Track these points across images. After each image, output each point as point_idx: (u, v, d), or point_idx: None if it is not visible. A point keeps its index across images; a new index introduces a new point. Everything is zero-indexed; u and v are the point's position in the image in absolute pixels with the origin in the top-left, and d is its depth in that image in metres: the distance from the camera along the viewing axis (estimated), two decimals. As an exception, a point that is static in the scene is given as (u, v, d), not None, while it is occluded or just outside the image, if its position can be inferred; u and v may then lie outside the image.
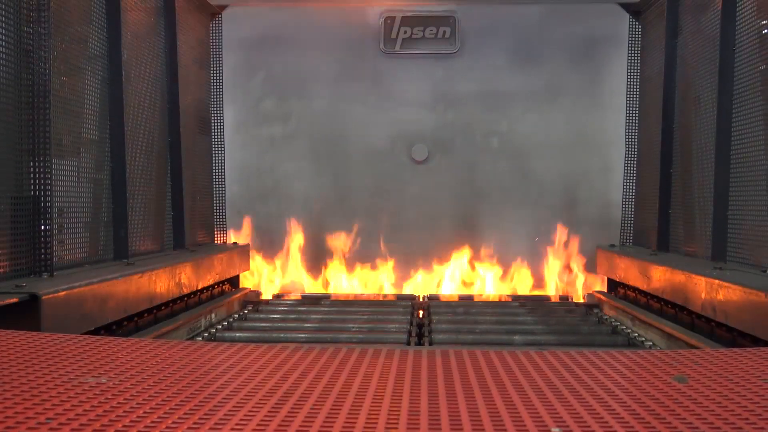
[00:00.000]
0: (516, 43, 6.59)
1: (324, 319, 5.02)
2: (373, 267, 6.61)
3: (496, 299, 6.30)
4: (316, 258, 6.61)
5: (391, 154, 6.65)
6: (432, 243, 6.62)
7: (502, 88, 6.60)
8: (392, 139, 6.65)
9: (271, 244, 6.56)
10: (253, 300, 5.89)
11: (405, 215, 6.65)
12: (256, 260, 6.48)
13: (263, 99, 6.64)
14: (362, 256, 6.61)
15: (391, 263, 6.60)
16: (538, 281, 6.52)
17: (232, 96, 6.49)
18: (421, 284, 6.56)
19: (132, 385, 1.72)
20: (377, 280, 6.59)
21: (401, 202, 6.65)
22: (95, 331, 3.47)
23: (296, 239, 6.58)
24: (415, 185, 6.64)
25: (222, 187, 6.32)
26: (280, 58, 6.61)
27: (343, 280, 6.58)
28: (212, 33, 6.35)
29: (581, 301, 6.13)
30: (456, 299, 6.22)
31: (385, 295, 6.40)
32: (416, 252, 6.61)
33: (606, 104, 6.47)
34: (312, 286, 6.56)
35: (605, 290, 5.89)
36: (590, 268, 6.33)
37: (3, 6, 3.38)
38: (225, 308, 5.37)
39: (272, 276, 6.55)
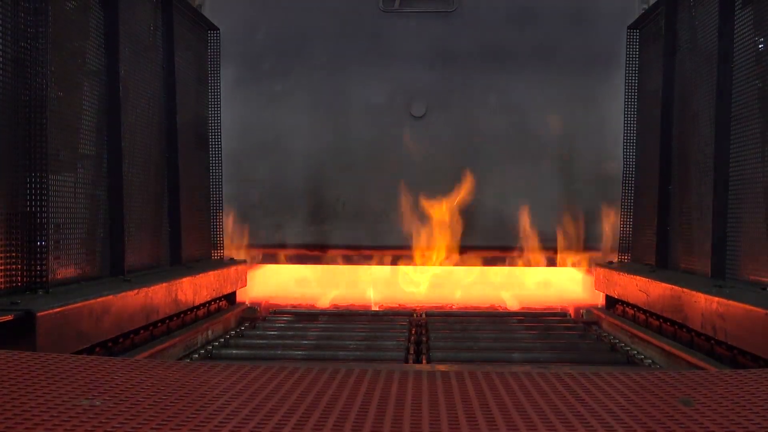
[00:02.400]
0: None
1: (321, 336, 4.99)
2: (373, 218, 6.71)
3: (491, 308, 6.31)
4: (316, 211, 6.78)
5: (390, 110, 6.70)
6: (430, 195, 6.69)
7: (501, 45, 6.69)
8: (391, 95, 6.72)
9: (270, 198, 6.70)
10: (250, 316, 5.86)
11: (403, 169, 6.70)
12: (257, 218, 6.61)
13: (263, 56, 6.73)
14: (360, 208, 6.77)
15: (391, 215, 6.70)
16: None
17: (231, 52, 6.59)
18: (421, 237, 6.61)
19: (126, 408, 1.69)
20: (376, 230, 6.69)
21: (399, 156, 6.72)
22: (91, 348, 3.44)
23: (296, 193, 6.74)
24: (414, 140, 6.70)
25: (219, 203, 6.30)
26: (279, 15, 6.71)
27: (344, 231, 6.70)
28: (210, 48, 6.34)
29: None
30: (452, 307, 6.23)
31: (378, 310, 6.36)
32: (414, 204, 6.73)
33: (603, 61, 6.63)
34: (312, 236, 6.71)
35: (603, 305, 5.87)
36: (590, 224, 6.50)
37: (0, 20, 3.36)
38: (222, 324, 5.33)
39: (273, 235, 6.63)
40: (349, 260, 6.85)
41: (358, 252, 6.80)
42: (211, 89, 6.35)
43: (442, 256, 6.72)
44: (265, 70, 6.82)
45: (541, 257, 6.75)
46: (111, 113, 4.41)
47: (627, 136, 6.21)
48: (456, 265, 6.78)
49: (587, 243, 6.69)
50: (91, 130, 4.22)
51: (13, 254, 3.47)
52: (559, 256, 6.73)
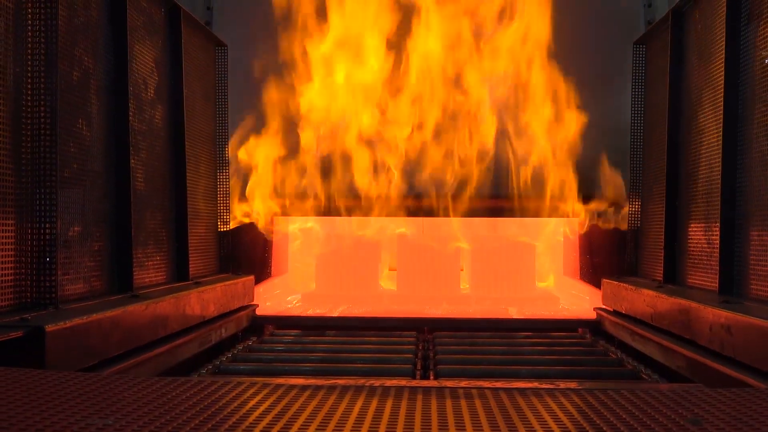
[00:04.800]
0: None
1: (329, 350, 5.00)
2: None
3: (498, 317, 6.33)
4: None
5: None
6: None
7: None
8: None
9: None
10: (259, 330, 5.87)
11: None
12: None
13: None
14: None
15: None
16: None
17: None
18: None
19: (139, 427, 1.70)
20: None
21: None
22: (99, 364, 3.45)
23: None
24: None
25: (226, 219, 6.33)
26: None
27: None
28: (217, 65, 6.38)
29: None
30: (461, 316, 6.25)
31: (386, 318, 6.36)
32: None
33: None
34: None
35: (610, 317, 5.87)
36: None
37: (12, 37, 3.40)
38: (230, 339, 5.35)
39: None
40: None
41: None
42: (218, 104, 6.39)
43: None
44: None
45: None
46: (119, 129, 4.44)
47: (633, 149, 6.23)
48: None
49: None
50: (100, 146, 4.25)
51: (23, 270, 3.50)
52: None
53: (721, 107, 4.41)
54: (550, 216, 6.88)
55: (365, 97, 6.80)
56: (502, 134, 6.79)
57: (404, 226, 7.71)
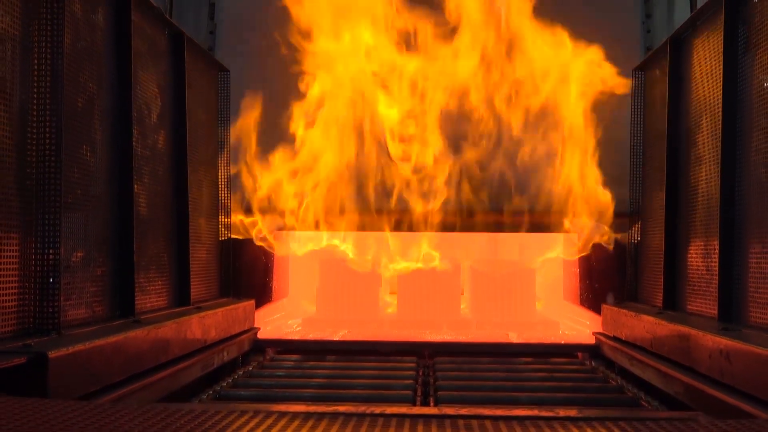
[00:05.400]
0: None
1: (329, 375, 5.00)
2: None
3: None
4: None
5: None
6: None
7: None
8: None
9: None
10: (260, 353, 5.89)
11: None
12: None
13: None
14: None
15: None
16: None
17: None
18: None
19: (143, 457, 1.72)
20: None
21: None
22: (102, 390, 3.47)
23: None
24: None
25: (228, 243, 6.35)
26: None
27: None
28: (220, 90, 6.43)
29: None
30: (461, 341, 6.25)
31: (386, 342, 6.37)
32: None
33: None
34: None
35: (610, 343, 5.88)
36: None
37: (18, 64, 3.44)
38: (231, 363, 5.36)
39: None
40: None
41: None
42: (220, 128, 6.43)
43: None
44: None
45: None
46: (123, 154, 4.47)
47: (633, 175, 6.26)
48: None
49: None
50: (103, 171, 4.28)
51: (26, 296, 3.51)
52: None
53: (720, 136, 4.44)
54: (551, 231, 6.93)
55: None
56: (502, 152, 6.85)
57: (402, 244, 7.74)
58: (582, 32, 6.72)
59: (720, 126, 4.46)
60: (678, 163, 5.35)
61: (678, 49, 5.38)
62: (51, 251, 3.58)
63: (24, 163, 3.50)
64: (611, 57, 6.93)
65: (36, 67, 3.59)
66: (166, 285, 5.12)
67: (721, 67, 4.48)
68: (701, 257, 4.82)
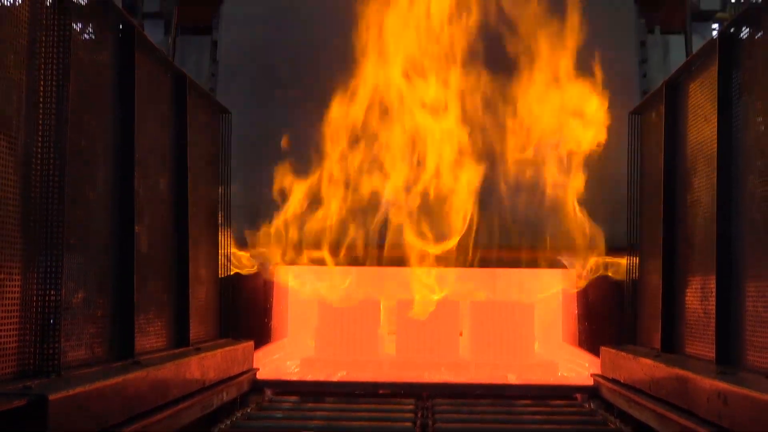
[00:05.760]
0: None
1: (328, 417, 5.00)
2: None
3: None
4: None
5: None
6: None
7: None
8: None
9: None
10: (259, 394, 5.87)
11: None
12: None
13: None
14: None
15: None
16: None
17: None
18: None
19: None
20: None
21: None
22: (101, 432, 3.47)
23: None
24: None
25: (228, 283, 6.37)
26: None
27: None
28: (221, 131, 6.50)
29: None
30: (460, 382, 6.24)
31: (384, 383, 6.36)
32: None
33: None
34: None
35: (609, 385, 5.88)
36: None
37: (24, 107, 3.49)
38: (230, 404, 5.35)
39: None
40: None
41: None
42: (221, 169, 6.48)
43: None
44: None
45: None
46: (124, 195, 4.50)
47: (631, 217, 6.31)
48: None
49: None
50: (105, 212, 4.31)
51: (27, 337, 3.52)
52: None
53: (715, 179, 4.49)
54: (549, 267, 6.97)
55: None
56: (500, 191, 6.92)
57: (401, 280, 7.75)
58: (579, 76, 6.81)
59: (715, 169, 4.51)
60: (675, 205, 5.39)
61: (673, 93, 5.45)
62: (52, 292, 3.59)
63: (27, 204, 3.53)
64: (608, 100, 7.03)
65: (41, 110, 3.64)
66: (166, 325, 5.12)
67: (716, 111, 4.54)
68: (698, 300, 4.84)
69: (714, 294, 4.45)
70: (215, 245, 6.31)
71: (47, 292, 3.57)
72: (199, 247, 5.82)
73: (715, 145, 4.53)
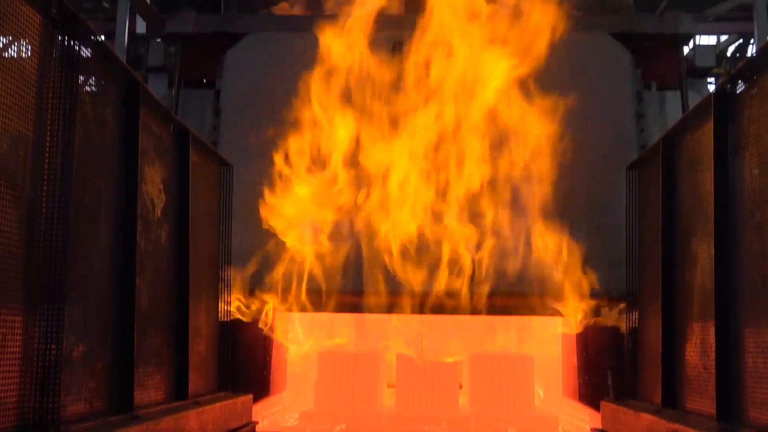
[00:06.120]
0: None
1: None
2: None
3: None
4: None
5: None
6: None
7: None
8: None
9: None
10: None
11: None
12: None
13: None
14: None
15: None
16: None
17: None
18: None
19: None
20: None
21: None
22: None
23: None
24: None
25: (227, 336, 6.37)
26: None
27: None
28: (223, 184, 6.55)
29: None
30: None
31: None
32: None
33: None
34: None
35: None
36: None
37: (30, 163, 3.53)
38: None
39: None
40: None
41: None
42: (222, 221, 6.52)
43: None
44: None
45: None
46: (126, 249, 4.53)
47: (629, 271, 6.32)
48: None
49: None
50: (107, 265, 4.33)
51: (27, 391, 3.51)
52: None
53: (713, 235, 4.51)
54: (549, 315, 6.97)
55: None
56: (500, 241, 6.95)
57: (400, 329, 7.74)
58: (577, 131, 6.89)
59: (713, 224, 4.54)
60: (673, 259, 5.41)
61: (670, 148, 5.52)
62: (53, 346, 3.59)
63: (30, 258, 3.55)
64: (606, 155, 7.12)
65: (47, 165, 3.67)
66: (165, 379, 5.11)
67: (713, 166, 4.58)
68: (698, 355, 4.84)
69: (714, 349, 4.45)
70: (215, 296, 6.32)
71: (48, 346, 3.57)
72: (200, 299, 5.83)
73: (712, 200, 4.56)
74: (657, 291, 5.54)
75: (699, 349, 4.84)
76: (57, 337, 3.61)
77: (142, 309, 4.70)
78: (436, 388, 7.50)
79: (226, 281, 6.47)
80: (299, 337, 7.95)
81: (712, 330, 4.48)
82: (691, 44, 9.16)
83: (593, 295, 6.85)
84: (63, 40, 3.75)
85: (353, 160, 7.02)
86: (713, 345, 4.45)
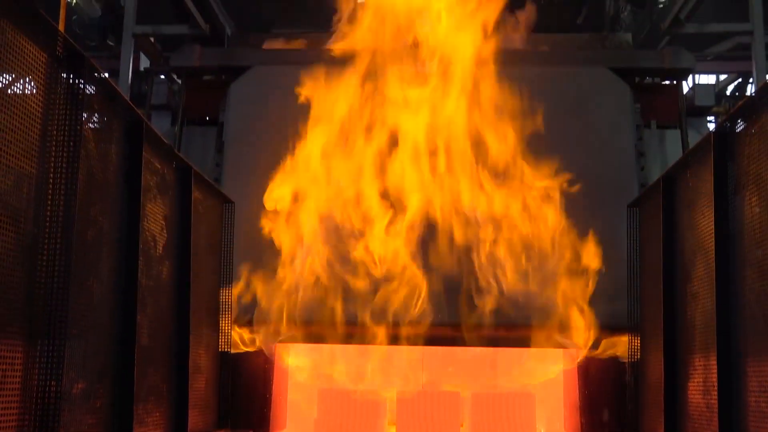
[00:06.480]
0: None
1: None
2: None
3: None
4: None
5: None
6: None
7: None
8: None
9: None
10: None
11: None
12: None
13: None
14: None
15: None
16: None
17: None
18: None
19: None
20: None
21: None
22: None
23: None
24: None
25: (227, 371, 6.35)
26: None
27: None
28: (224, 220, 6.57)
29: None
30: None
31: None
32: None
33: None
34: None
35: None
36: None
37: (33, 200, 3.55)
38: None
39: None
40: None
41: None
42: (223, 257, 6.53)
43: None
44: None
45: None
46: (128, 285, 4.53)
47: (630, 307, 6.32)
48: None
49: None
50: (108, 301, 4.33)
51: (26, 428, 3.49)
52: None
53: (714, 274, 4.51)
54: (551, 347, 6.95)
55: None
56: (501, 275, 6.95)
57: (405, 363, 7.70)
58: (576, 168, 6.92)
59: (713, 263, 4.54)
60: (675, 296, 5.41)
61: (670, 187, 5.54)
62: (53, 383, 3.58)
63: (32, 294, 3.56)
64: (607, 192, 7.14)
65: (50, 202, 3.69)
66: (164, 416, 5.08)
67: (713, 204, 4.60)
68: (701, 393, 4.81)
69: (716, 388, 4.43)
70: (216, 330, 6.31)
71: (48, 382, 3.56)
72: (200, 335, 5.82)
73: (713, 238, 4.57)
74: (659, 329, 5.53)
75: (701, 387, 4.82)
76: (57, 374, 3.60)
77: (143, 345, 4.69)
78: (437, 427, 7.44)
79: (226, 316, 6.46)
80: (299, 369, 7.90)
81: (715, 368, 4.46)
82: (690, 83, 9.24)
83: (595, 328, 6.82)
84: (68, 78, 3.79)
85: (354, 197, 7.05)
86: (715, 384, 4.43)
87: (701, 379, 4.81)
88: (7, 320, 3.32)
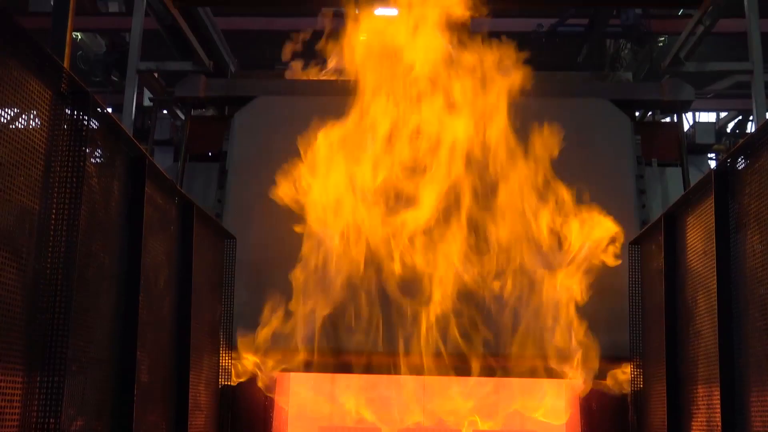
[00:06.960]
0: None
1: None
2: None
3: None
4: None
5: None
6: None
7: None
8: None
9: None
10: None
11: None
12: None
13: None
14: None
15: None
16: None
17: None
18: None
19: None
20: None
21: None
22: None
23: None
24: None
25: (227, 408, 6.30)
26: None
27: None
28: (226, 256, 6.57)
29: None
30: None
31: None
32: None
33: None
34: None
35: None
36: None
37: (34, 237, 3.55)
38: None
39: None
40: None
41: None
42: (224, 293, 6.52)
43: None
44: None
45: None
46: (128, 321, 4.51)
47: (633, 344, 6.29)
48: None
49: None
50: (108, 337, 4.31)
51: (23, 464, 3.47)
52: None
53: (716, 313, 4.50)
54: (552, 377, 6.91)
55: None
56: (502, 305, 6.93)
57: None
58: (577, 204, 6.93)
59: (716, 301, 4.52)
60: (677, 334, 5.38)
61: (672, 225, 5.54)
62: (52, 420, 3.56)
63: (32, 330, 3.54)
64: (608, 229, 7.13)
65: (52, 237, 3.70)
66: (163, 451, 5.04)
67: (714, 242, 4.59)
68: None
69: (720, 429, 4.39)
70: (215, 367, 6.28)
71: (47, 419, 3.54)
72: (200, 371, 5.79)
73: (715, 277, 4.56)
74: (661, 368, 5.51)
75: (705, 427, 4.78)
76: (56, 410, 3.57)
77: (142, 382, 4.67)
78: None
79: (227, 351, 6.43)
80: (300, 402, 7.84)
81: (718, 408, 4.43)
82: (691, 121, 9.28)
83: (597, 358, 6.77)
84: (72, 114, 3.81)
85: (357, 228, 7.04)
86: (720, 425, 4.40)
87: (705, 419, 4.78)
88: (7, 355, 3.30)
